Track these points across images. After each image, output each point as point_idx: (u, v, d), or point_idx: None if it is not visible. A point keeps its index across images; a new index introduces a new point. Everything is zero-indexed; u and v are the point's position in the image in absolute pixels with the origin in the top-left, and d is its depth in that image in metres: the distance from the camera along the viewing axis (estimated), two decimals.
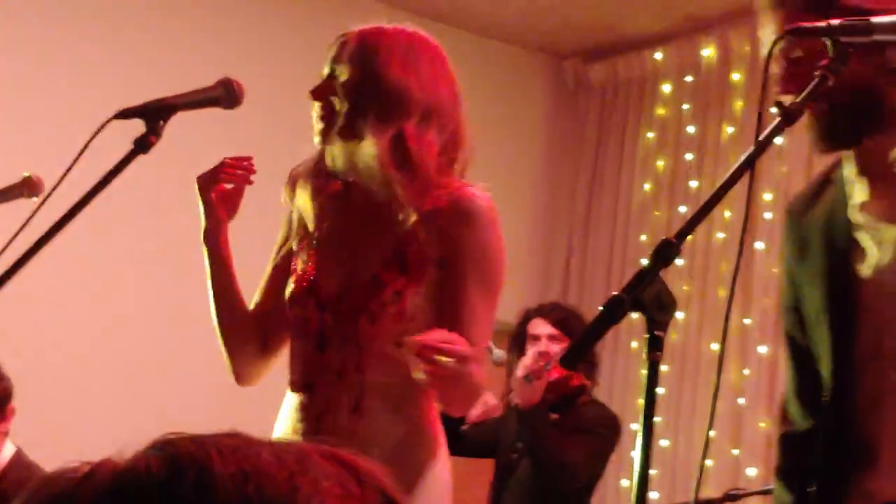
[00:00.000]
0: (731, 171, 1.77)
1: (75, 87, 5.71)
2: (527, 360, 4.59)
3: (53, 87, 5.73)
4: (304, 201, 2.59)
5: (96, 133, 2.23)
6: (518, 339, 4.90)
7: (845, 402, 2.10)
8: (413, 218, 2.47)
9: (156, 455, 0.78)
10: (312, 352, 2.50)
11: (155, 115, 2.39)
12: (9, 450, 3.99)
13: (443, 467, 2.47)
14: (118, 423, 5.38)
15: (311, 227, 2.58)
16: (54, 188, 2.31)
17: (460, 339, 2.25)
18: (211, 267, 2.61)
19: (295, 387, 2.52)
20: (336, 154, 2.52)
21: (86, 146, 2.22)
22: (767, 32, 2.10)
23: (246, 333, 2.61)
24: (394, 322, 2.44)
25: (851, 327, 2.09)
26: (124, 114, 2.37)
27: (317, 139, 2.54)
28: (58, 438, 4.84)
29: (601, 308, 1.64)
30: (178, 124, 2.41)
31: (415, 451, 2.44)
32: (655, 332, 1.65)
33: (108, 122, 2.28)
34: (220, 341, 2.62)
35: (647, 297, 1.64)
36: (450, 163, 2.54)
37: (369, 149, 2.46)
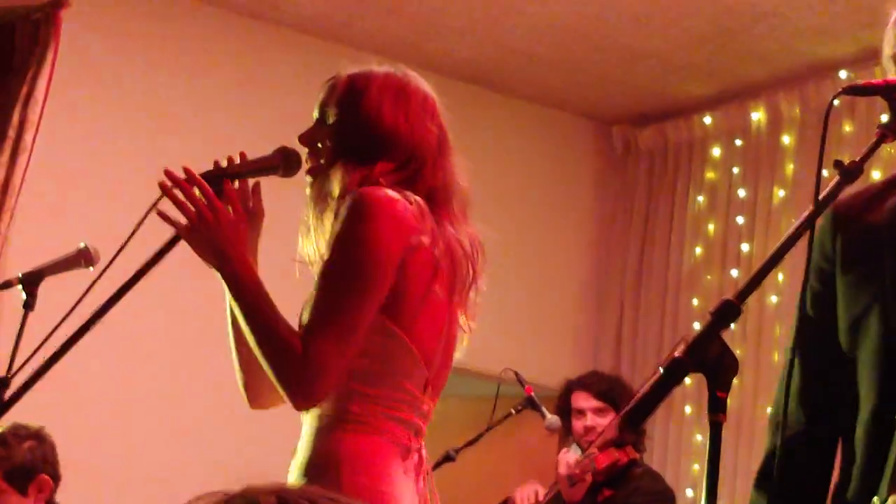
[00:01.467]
0: (791, 231, 1.75)
1: (133, 157, 5.77)
2: (570, 459, 4.55)
3: (111, 157, 5.79)
4: (306, 245, 2.56)
5: (155, 203, 2.25)
6: (563, 413, 4.85)
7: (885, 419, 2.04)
8: None
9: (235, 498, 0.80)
10: None
11: (213, 183, 2.41)
12: None
13: (342, 478, 2.34)
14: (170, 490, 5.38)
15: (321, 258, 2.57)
16: (114, 258, 2.32)
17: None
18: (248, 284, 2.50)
19: None
20: (314, 193, 2.51)
21: (145, 216, 2.24)
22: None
23: None
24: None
25: None
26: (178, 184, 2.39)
27: (308, 189, 2.52)
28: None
29: (662, 370, 1.62)
30: None
31: (312, 457, 2.38)
32: (718, 394, 1.63)
33: (164, 194, 2.29)
34: (239, 360, 2.54)
35: (709, 358, 1.62)
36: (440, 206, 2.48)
37: (336, 181, 2.43)
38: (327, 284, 2.35)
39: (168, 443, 5.71)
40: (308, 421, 2.43)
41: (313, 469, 2.36)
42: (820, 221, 2.15)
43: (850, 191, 1.87)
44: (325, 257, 2.40)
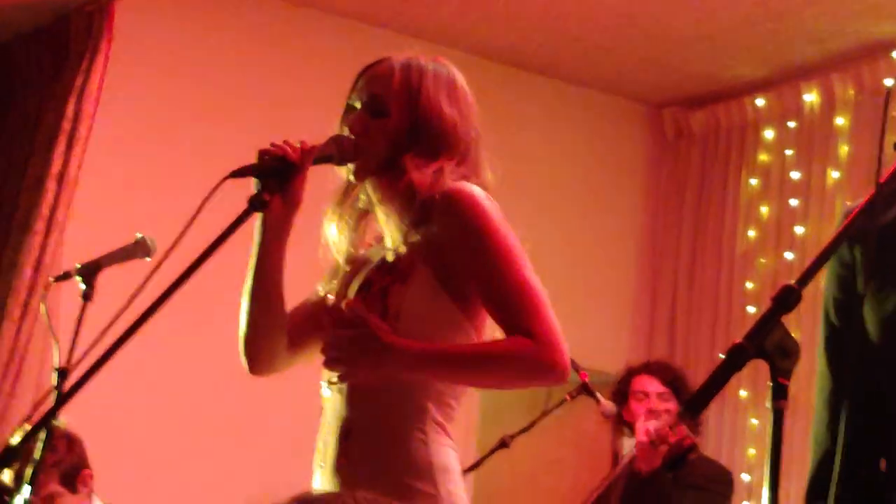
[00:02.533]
0: (853, 213, 1.73)
1: (188, 147, 5.80)
2: (650, 425, 4.54)
3: (166, 148, 5.82)
4: (329, 232, 2.58)
5: (211, 193, 2.24)
6: (620, 396, 4.84)
7: None
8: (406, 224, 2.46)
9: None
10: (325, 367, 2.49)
11: (270, 173, 2.41)
12: None
13: (439, 487, 2.37)
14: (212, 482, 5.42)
15: (335, 255, 2.58)
16: (170, 250, 2.33)
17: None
18: (272, 242, 2.51)
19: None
20: (370, 188, 2.52)
21: (201, 207, 2.24)
22: None
23: (282, 319, 2.56)
24: (379, 321, 2.39)
25: None
26: (239, 173, 2.39)
27: (351, 175, 2.51)
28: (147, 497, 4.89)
29: (723, 356, 1.61)
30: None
31: (402, 470, 2.37)
32: (779, 381, 1.62)
33: (222, 181, 2.29)
34: (247, 318, 2.53)
35: (770, 344, 1.61)
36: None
37: (410, 183, 2.43)
38: (498, 275, 2.37)
39: (197, 438, 5.71)
40: (376, 415, 2.42)
41: (410, 474, 2.37)
42: (836, 225, 2.12)
43: (828, 206, 1.83)
44: (410, 252, 2.42)
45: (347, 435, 2.42)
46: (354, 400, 2.43)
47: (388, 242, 2.49)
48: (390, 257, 2.46)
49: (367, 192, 2.55)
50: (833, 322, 2.17)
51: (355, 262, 2.57)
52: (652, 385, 4.80)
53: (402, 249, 2.44)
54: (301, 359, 2.62)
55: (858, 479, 2.04)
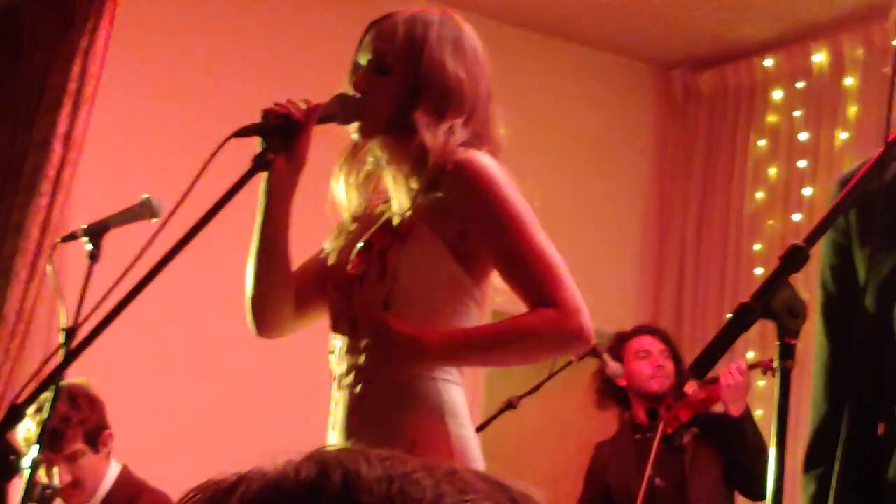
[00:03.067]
0: (861, 172, 1.72)
1: (194, 108, 5.78)
2: (733, 368, 4.55)
3: (172, 109, 5.81)
4: (336, 189, 2.58)
5: (215, 152, 2.24)
6: (614, 352, 4.85)
7: None
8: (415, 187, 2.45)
9: (304, 460, 0.80)
10: (332, 330, 2.51)
11: (272, 132, 2.40)
12: (114, 469, 4.05)
13: (450, 429, 2.39)
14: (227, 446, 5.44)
15: (342, 213, 2.58)
16: (174, 209, 2.32)
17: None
18: (277, 203, 2.50)
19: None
20: (378, 147, 2.51)
21: (205, 166, 2.24)
22: None
23: (289, 281, 2.55)
24: (377, 281, 2.41)
25: None
26: (243, 132, 2.39)
27: (355, 134, 2.50)
28: (162, 457, 4.91)
29: (730, 316, 1.61)
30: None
31: (414, 414, 2.38)
32: (787, 340, 1.61)
33: (226, 140, 2.29)
34: (253, 280, 2.53)
35: (778, 303, 1.60)
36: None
37: (421, 144, 2.41)
38: (515, 248, 2.38)
39: (213, 401, 5.73)
40: (388, 375, 2.42)
41: (421, 423, 2.38)
42: (830, 195, 2.11)
43: (856, 161, 1.81)
44: (412, 213, 2.42)
45: (360, 395, 2.43)
46: (367, 365, 2.45)
47: (395, 205, 2.48)
48: (396, 220, 2.46)
49: (376, 152, 2.53)
50: (829, 289, 2.16)
51: (361, 221, 2.57)
52: (653, 344, 4.82)
53: (408, 214, 2.44)
54: (308, 321, 2.62)
55: (858, 443, 2.03)
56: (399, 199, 2.47)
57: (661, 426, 4.59)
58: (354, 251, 2.51)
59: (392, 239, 2.44)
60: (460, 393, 2.44)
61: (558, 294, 2.34)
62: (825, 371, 2.17)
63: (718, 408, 4.70)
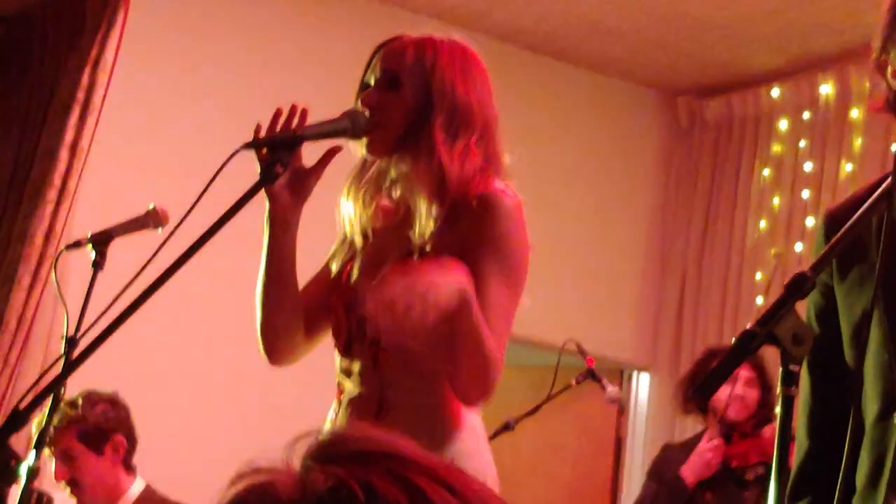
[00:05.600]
0: (867, 205, 1.72)
1: (202, 119, 5.80)
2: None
3: (180, 119, 5.82)
4: (345, 205, 2.58)
5: (225, 164, 2.23)
6: (699, 378, 4.75)
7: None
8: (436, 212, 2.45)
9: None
10: (342, 355, 2.52)
11: (283, 145, 2.41)
12: (138, 486, 4.05)
13: (470, 448, 2.41)
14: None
15: (348, 232, 2.58)
16: (181, 221, 2.33)
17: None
18: (281, 236, 2.51)
19: (337, 390, 2.54)
20: (395, 165, 2.51)
21: (214, 177, 2.23)
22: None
23: (298, 310, 2.56)
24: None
25: None
26: (253, 144, 2.39)
27: (363, 151, 2.50)
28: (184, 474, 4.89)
29: (734, 341, 1.61)
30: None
31: (436, 436, 2.38)
32: (790, 367, 1.61)
33: (236, 152, 2.28)
34: (262, 312, 2.54)
35: (782, 330, 1.60)
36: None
37: (439, 164, 2.43)
38: (501, 287, 2.39)
39: (237, 403, 5.73)
40: (410, 397, 2.44)
41: (445, 441, 2.40)
42: (815, 231, 2.12)
43: (840, 198, 1.81)
44: (431, 247, 2.42)
45: (380, 411, 2.43)
46: (388, 377, 2.45)
47: (416, 228, 2.47)
48: (416, 244, 2.46)
49: (392, 170, 2.54)
50: (813, 326, 2.16)
51: (370, 237, 2.57)
52: (744, 368, 4.59)
53: (427, 244, 2.44)
54: (318, 342, 2.64)
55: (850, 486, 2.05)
56: (419, 222, 2.47)
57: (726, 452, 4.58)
58: (359, 267, 2.52)
59: None
60: (477, 417, 2.48)
61: (498, 348, 2.37)
62: (807, 412, 2.19)
63: None
